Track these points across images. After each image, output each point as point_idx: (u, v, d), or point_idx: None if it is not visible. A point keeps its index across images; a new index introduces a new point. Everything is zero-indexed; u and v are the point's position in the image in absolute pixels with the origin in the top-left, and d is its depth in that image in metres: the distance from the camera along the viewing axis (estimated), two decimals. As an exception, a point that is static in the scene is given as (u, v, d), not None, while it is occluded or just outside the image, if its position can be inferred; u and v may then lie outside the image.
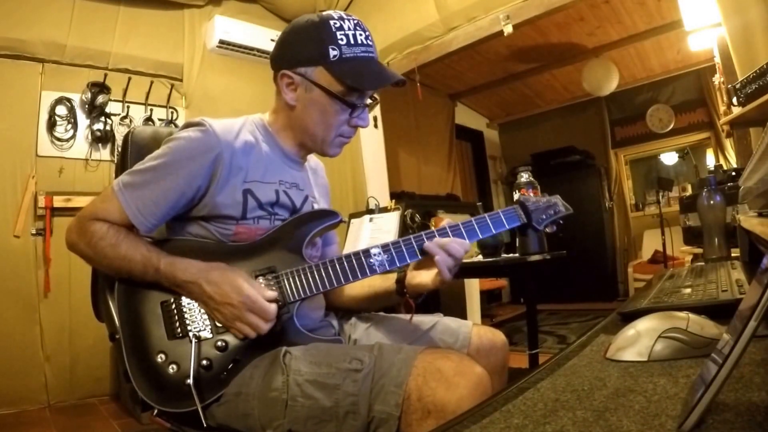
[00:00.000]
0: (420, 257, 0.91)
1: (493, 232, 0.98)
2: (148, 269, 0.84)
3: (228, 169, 0.88)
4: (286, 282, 0.88)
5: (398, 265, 0.90)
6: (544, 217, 1.04)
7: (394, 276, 1.02)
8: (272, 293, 0.84)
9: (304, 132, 0.96)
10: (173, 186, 0.86)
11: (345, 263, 0.89)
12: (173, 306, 0.85)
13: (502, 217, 0.99)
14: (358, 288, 1.08)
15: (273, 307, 0.83)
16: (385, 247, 0.90)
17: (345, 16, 0.92)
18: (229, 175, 0.88)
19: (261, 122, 1.00)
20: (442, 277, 0.89)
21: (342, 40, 0.89)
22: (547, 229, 1.06)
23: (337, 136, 0.96)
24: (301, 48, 0.91)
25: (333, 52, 0.89)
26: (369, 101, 0.97)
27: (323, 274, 0.88)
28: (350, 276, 0.89)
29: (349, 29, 0.90)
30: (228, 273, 0.84)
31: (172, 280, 0.84)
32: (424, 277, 0.94)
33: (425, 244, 0.90)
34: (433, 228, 0.94)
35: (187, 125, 0.91)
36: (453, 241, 0.89)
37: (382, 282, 1.04)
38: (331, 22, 0.90)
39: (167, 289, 0.86)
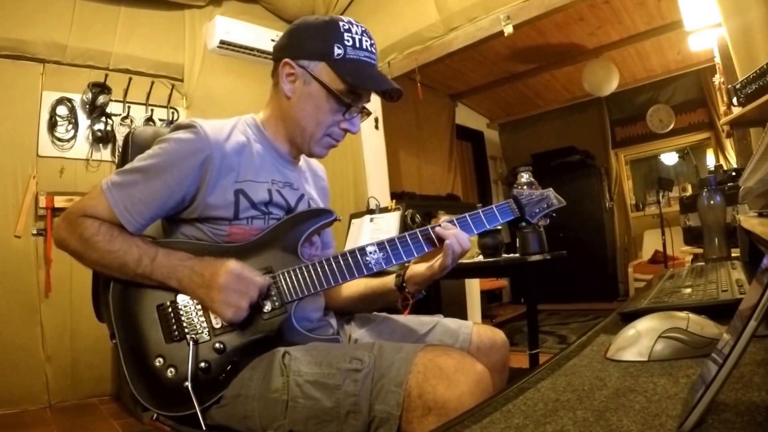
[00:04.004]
0: (416, 255, 0.92)
1: (487, 226, 0.99)
2: (143, 260, 0.83)
3: (218, 170, 0.88)
4: (282, 282, 0.87)
5: (394, 263, 0.91)
6: (537, 210, 1.05)
7: (393, 274, 1.03)
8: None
9: (294, 125, 0.96)
10: (162, 187, 0.86)
11: (341, 261, 0.89)
12: (170, 309, 0.85)
13: (496, 211, 1.00)
14: (354, 287, 1.08)
15: (261, 277, 0.84)
16: (380, 245, 0.91)
17: (354, 22, 0.94)
18: (220, 176, 0.88)
19: (253, 122, 1.00)
20: (445, 264, 0.92)
21: (348, 41, 0.91)
22: (541, 222, 1.06)
23: (325, 136, 0.96)
24: (307, 42, 0.92)
25: (338, 51, 0.90)
26: (362, 108, 0.98)
27: (320, 273, 0.88)
28: (347, 274, 0.89)
29: (357, 33, 0.92)
30: (220, 258, 0.85)
31: (167, 267, 0.84)
32: (421, 267, 0.96)
33: (437, 228, 0.92)
34: (429, 226, 0.95)
35: (178, 127, 0.91)
36: (460, 232, 0.92)
37: (380, 279, 1.04)
38: (341, 24, 0.91)
39: (161, 290, 0.85)
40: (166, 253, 0.85)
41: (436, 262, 0.94)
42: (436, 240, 0.93)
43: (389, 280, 1.03)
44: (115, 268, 0.84)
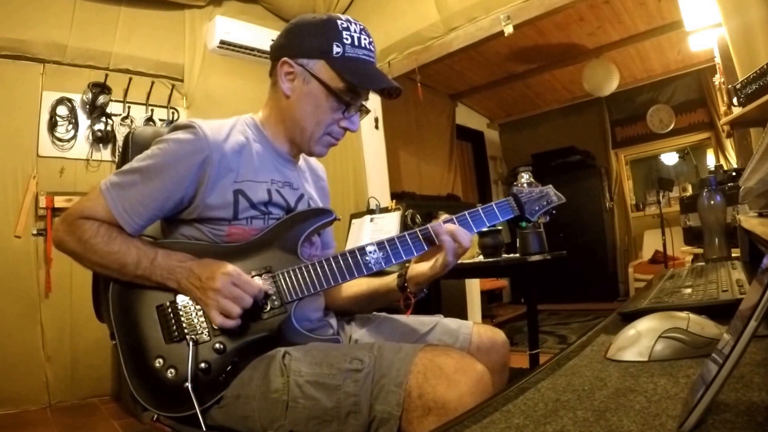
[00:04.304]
0: (416, 254, 0.92)
1: (487, 224, 0.99)
2: (142, 261, 0.83)
3: (217, 171, 0.88)
4: (282, 282, 0.87)
5: (394, 262, 0.91)
6: (536, 208, 1.05)
7: (394, 273, 1.03)
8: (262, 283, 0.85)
9: (294, 125, 0.96)
10: (160, 188, 0.85)
11: (341, 261, 0.89)
12: (169, 310, 0.85)
13: (495, 209, 1.00)
14: (355, 287, 1.08)
15: (258, 281, 0.84)
16: (380, 245, 0.91)
17: (352, 20, 0.93)
18: (218, 177, 0.88)
19: (252, 122, 1.00)
20: (446, 262, 0.91)
21: (347, 39, 0.91)
22: (540, 220, 1.06)
23: (325, 134, 0.96)
24: (306, 40, 0.92)
25: (337, 49, 0.90)
26: (361, 106, 0.97)
27: (319, 272, 0.88)
28: (347, 274, 0.89)
29: (355, 32, 0.92)
30: (219, 261, 0.85)
31: (166, 269, 0.84)
32: (423, 266, 0.96)
33: (434, 226, 0.91)
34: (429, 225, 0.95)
35: (176, 127, 0.91)
36: (460, 229, 0.92)
37: (381, 279, 1.04)
38: (339, 22, 0.91)
39: (161, 290, 0.85)
40: (165, 254, 0.85)
41: (438, 260, 0.94)
42: (435, 238, 0.93)
43: (390, 280, 1.03)
44: (115, 270, 0.84)
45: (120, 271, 0.84)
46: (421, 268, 0.97)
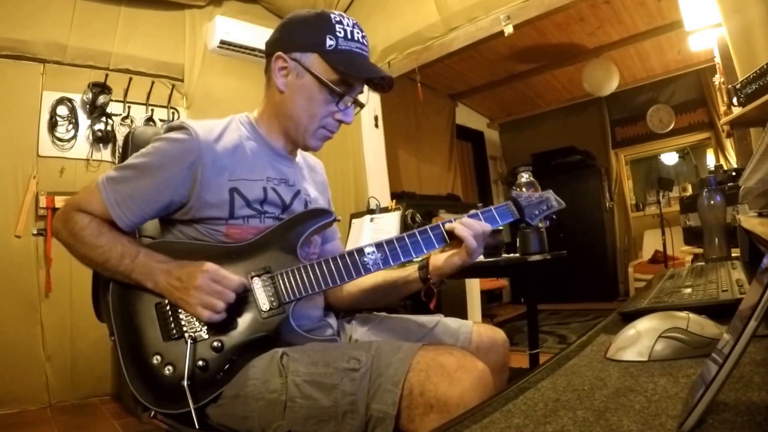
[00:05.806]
0: (414, 256, 0.92)
1: None
2: (125, 258, 0.84)
3: (210, 171, 0.88)
4: (280, 282, 0.87)
5: (392, 263, 0.91)
6: (536, 212, 1.05)
7: (412, 266, 1.03)
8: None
9: (288, 119, 0.96)
10: (152, 186, 0.87)
11: (339, 262, 0.89)
12: (168, 307, 0.85)
13: (495, 213, 1.00)
14: (371, 279, 1.07)
15: (237, 278, 0.83)
16: (379, 246, 0.91)
17: (345, 15, 0.94)
18: (213, 176, 0.88)
19: (247, 119, 1.00)
20: (469, 255, 0.92)
21: (340, 33, 0.91)
22: (540, 224, 1.06)
23: (320, 128, 0.96)
24: (299, 34, 0.93)
25: (330, 42, 0.91)
26: (355, 99, 0.97)
27: (318, 273, 0.88)
28: (345, 275, 0.89)
29: (348, 26, 0.93)
30: (196, 261, 0.85)
31: (146, 268, 0.84)
32: (446, 256, 0.96)
33: (454, 228, 0.92)
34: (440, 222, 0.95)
35: (170, 128, 0.92)
36: (476, 222, 0.93)
37: (400, 271, 1.04)
38: (332, 16, 0.92)
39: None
40: (147, 253, 0.86)
41: (463, 250, 0.93)
42: (447, 237, 0.93)
43: (411, 271, 1.03)
44: (100, 264, 0.86)
45: (104, 265, 0.85)
46: (442, 257, 0.97)
